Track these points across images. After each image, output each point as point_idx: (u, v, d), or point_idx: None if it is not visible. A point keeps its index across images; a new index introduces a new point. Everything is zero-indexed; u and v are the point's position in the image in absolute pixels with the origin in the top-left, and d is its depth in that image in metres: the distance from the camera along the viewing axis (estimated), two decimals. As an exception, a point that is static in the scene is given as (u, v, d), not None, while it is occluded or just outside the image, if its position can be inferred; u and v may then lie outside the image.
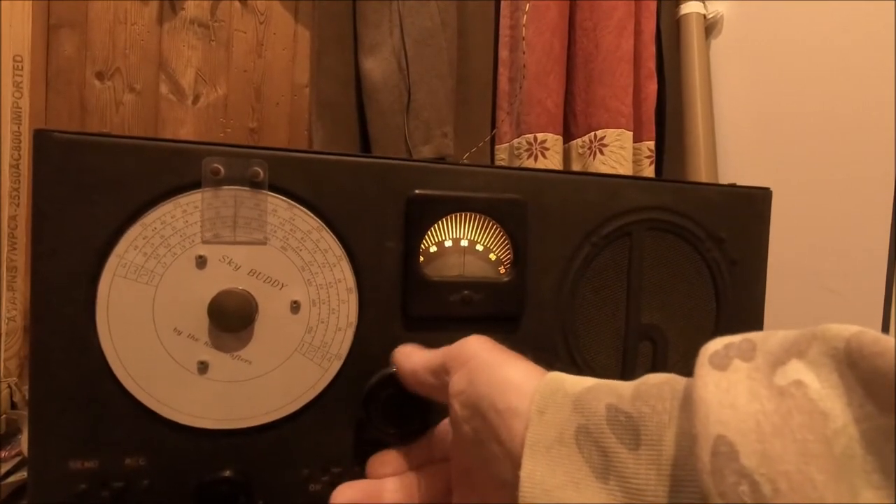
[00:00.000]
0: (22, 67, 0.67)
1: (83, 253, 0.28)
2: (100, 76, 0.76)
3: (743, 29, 0.82)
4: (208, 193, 0.29)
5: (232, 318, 0.29)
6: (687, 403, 0.17)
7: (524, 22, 0.80)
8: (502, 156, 0.85)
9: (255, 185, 0.30)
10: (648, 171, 0.82)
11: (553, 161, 0.80)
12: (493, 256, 0.35)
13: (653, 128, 0.83)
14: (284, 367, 0.30)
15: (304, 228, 0.31)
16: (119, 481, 0.29)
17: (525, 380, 0.22)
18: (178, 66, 0.79)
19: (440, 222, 0.33)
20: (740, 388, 0.16)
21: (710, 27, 0.86)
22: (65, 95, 0.74)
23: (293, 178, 0.30)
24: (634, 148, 0.81)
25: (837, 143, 0.68)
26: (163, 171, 0.29)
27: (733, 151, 0.82)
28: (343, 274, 0.31)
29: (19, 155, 0.66)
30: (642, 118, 0.82)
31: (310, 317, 0.31)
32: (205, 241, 0.29)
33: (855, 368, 0.15)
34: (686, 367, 0.18)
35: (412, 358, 0.29)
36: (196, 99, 0.80)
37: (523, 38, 0.80)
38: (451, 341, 0.27)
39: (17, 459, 0.53)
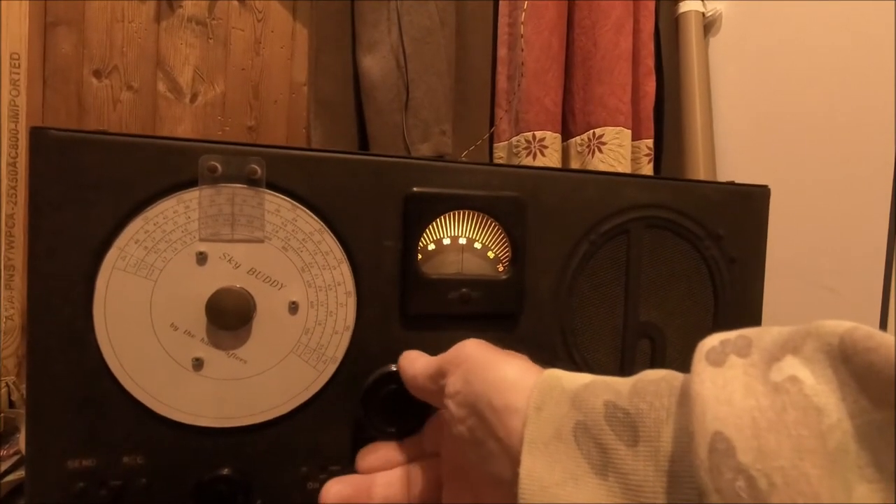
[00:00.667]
0: (19, 65, 0.67)
1: (80, 251, 0.28)
2: (97, 74, 0.76)
3: (741, 27, 0.82)
4: (206, 191, 0.29)
5: (229, 316, 0.29)
6: (684, 400, 0.17)
7: (523, 20, 0.80)
8: (501, 154, 0.85)
9: (252, 182, 0.30)
10: (647, 169, 0.82)
11: (552, 159, 0.80)
12: (491, 254, 0.35)
13: (651, 126, 0.83)
14: (280, 367, 0.30)
15: (306, 230, 0.30)
16: (117, 480, 0.29)
17: (521, 377, 0.22)
18: (176, 64, 0.79)
19: (438, 220, 0.33)
20: (736, 385, 0.16)
21: (709, 25, 0.86)
22: (62, 93, 0.74)
23: (291, 176, 0.30)
24: (633, 146, 0.81)
25: (836, 141, 0.68)
26: (160, 169, 0.29)
27: (732, 149, 0.82)
28: (343, 277, 0.31)
29: (16, 153, 0.66)
30: (641, 116, 0.82)
31: (307, 318, 0.31)
32: (202, 239, 0.29)
33: (849, 364, 0.15)
34: (684, 365, 0.18)
35: (415, 364, 0.29)
36: (194, 97, 0.80)
37: (522, 37, 0.79)
38: (449, 340, 0.27)
39: (16, 458, 0.53)
